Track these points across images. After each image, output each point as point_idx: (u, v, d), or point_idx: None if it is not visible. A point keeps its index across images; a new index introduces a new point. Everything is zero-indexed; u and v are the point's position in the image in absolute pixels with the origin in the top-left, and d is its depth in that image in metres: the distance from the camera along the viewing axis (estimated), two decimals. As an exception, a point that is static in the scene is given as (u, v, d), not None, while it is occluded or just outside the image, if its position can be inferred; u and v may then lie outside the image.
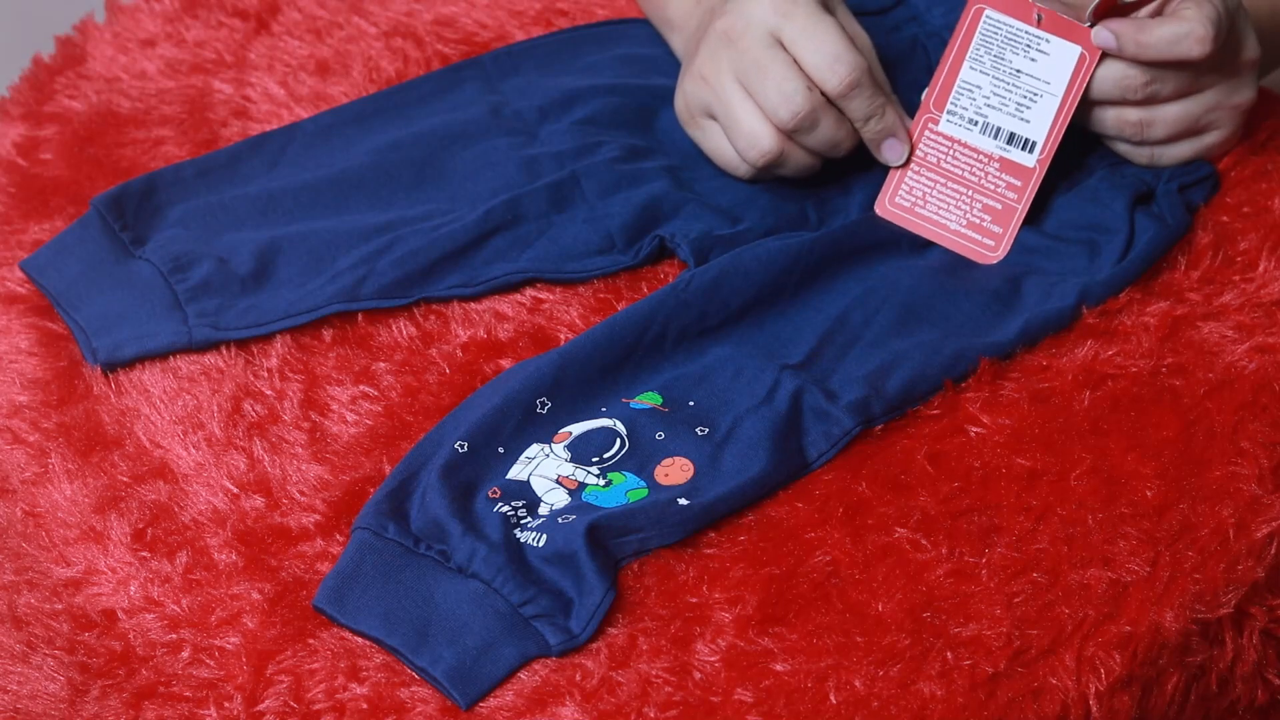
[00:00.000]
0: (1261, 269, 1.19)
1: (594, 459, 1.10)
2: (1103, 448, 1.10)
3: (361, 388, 1.15)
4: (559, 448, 1.11)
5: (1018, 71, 1.20)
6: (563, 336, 1.17)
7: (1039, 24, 1.20)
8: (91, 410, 1.14)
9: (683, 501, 1.07)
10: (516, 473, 1.09)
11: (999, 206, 1.21)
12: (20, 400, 1.15)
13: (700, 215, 1.22)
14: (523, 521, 1.07)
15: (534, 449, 1.10)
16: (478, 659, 1.02)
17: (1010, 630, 1.02)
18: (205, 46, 1.36)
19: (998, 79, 1.21)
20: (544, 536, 1.06)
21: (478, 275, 1.19)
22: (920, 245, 1.22)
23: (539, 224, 1.21)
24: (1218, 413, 1.11)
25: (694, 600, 1.04)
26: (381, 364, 1.16)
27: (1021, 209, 1.21)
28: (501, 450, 1.10)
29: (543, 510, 1.08)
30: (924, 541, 1.06)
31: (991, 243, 1.21)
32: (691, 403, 1.13)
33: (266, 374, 1.16)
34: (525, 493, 1.08)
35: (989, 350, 1.15)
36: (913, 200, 1.22)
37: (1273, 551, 1.07)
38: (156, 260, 1.19)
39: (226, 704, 1.02)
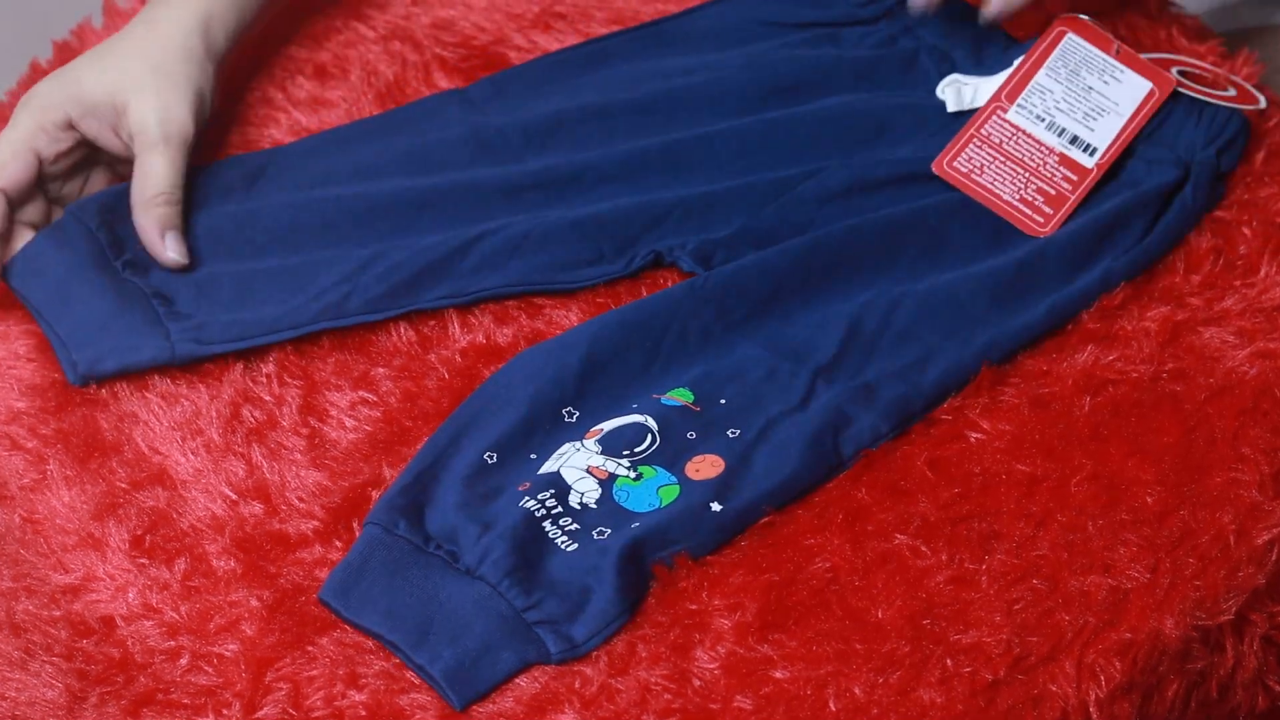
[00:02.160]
0: (1262, 273, 1.19)
1: (624, 452, 1.10)
2: (1103, 454, 1.10)
3: (360, 393, 1.15)
4: (590, 443, 1.10)
5: (1089, 88, 1.26)
6: (561, 343, 1.17)
7: (1116, 55, 1.27)
8: (90, 416, 1.14)
9: (715, 508, 1.07)
10: (548, 467, 1.09)
11: (1053, 192, 1.23)
12: (19, 406, 1.15)
13: (692, 224, 1.21)
14: (553, 512, 1.07)
15: (566, 447, 1.10)
16: (476, 660, 1.02)
17: (1010, 637, 1.02)
18: (203, 50, 1.35)
19: (1070, 89, 1.26)
20: (575, 545, 1.05)
21: (467, 286, 1.19)
22: (940, 232, 1.22)
23: (525, 237, 1.21)
24: (1218, 418, 1.11)
25: (693, 607, 1.04)
26: (380, 369, 1.16)
27: (1075, 198, 1.23)
28: (534, 456, 1.10)
29: (573, 499, 1.07)
30: (924, 548, 1.06)
31: (1041, 219, 1.23)
32: (723, 400, 1.12)
33: (265, 380, 1.16)
34: (555, 482, 1.08)
35: (1021, 333, 1.15)
36: (970, 168, 1.24)
37: (1273, 558, 1.07)
38: (138, 281, 1.18)
39: (225, 711, 1.02)
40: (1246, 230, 1.21)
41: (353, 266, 1.19)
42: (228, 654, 1.04)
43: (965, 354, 1.14)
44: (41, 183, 1.20)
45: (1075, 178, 1.23)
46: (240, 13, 1.24)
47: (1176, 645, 1.04)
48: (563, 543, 1.06)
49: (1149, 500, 1.08)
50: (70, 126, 1.19)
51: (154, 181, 1.17)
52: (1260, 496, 1.08)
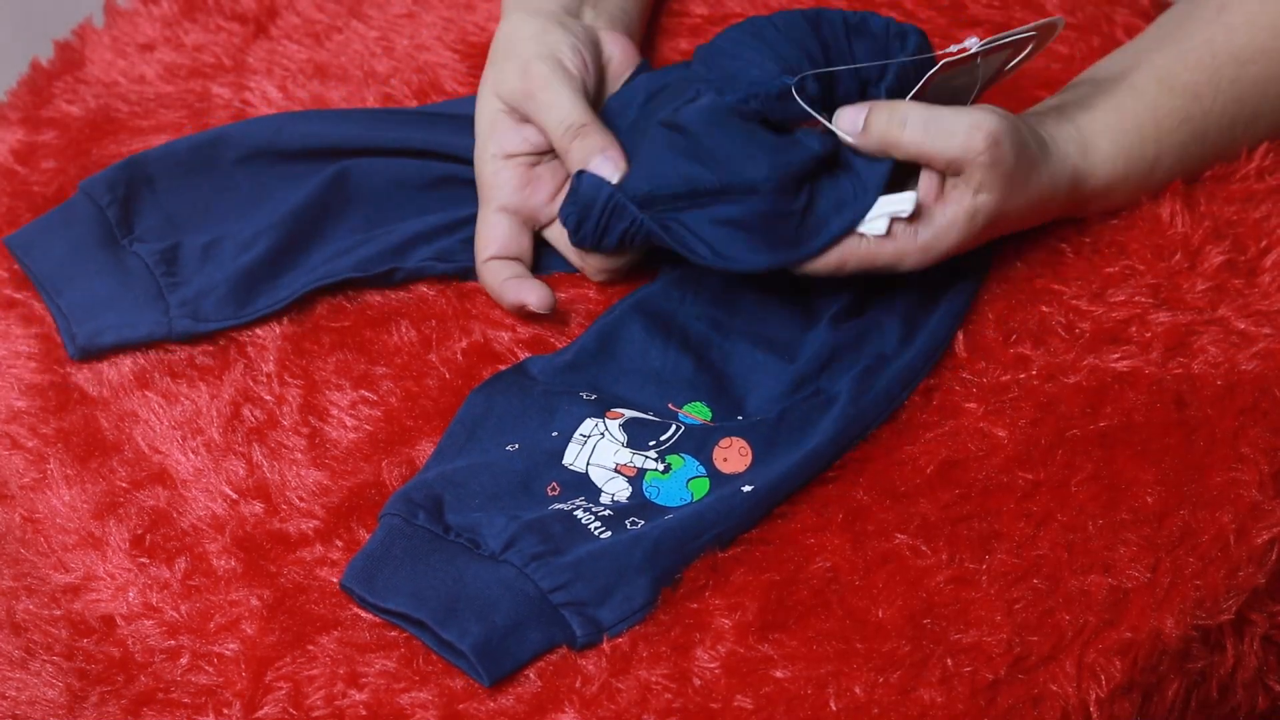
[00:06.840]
0: (1264, 275, 1.18)
1: (650, 443, 1.10)
2: (1103, 454, 1.10)
3: (361, 392, 1.15)
4: (614, 426, 1.10)
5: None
6: (559, 344, 1.17)
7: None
8: (90, 416, 1.14)
9: (746, 489, 1.07)
10: (573, 457, 1.09)
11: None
12: (19, 405, 1.15)
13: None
14: (588, 507, 1.07)
15: (588, 425, 1.11)
16: (505, 637, 1.02)
17: (1010, 637, 1.02)
18: (204, 50, 1.36)
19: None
20: (609, 532, 1.06)
21: (454, 252, 1.21)
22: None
23: None
24: (1219, 419, 1.11)
25: (694, 606, 1.04)
26: (381, 368, 1.16)
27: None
28: (555, 434, 1.10)
29: (604, 500, 1.07)
30: (924, 548, 1.06)
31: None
32: (740, 416, 1.13)
33: (265, 379, 1.16)
34: (584, 486, 1.09)
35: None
36: None
37: (1273, 557, 1.07)
38: (144, 253, 1.20)
39: (225, 710, 1.02)
40: (1248, 231, 1.21)
41: (340, 246, 1.20)
42: (228, 653, 1.04)
43: (941, 307, 1.16)
44: None
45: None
46: None
47: (1176, 645, 1.04)
48: (596, 528, 1.06)
49: (1149, 500, 1.08)
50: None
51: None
52: (1260, 496, 1.08)
